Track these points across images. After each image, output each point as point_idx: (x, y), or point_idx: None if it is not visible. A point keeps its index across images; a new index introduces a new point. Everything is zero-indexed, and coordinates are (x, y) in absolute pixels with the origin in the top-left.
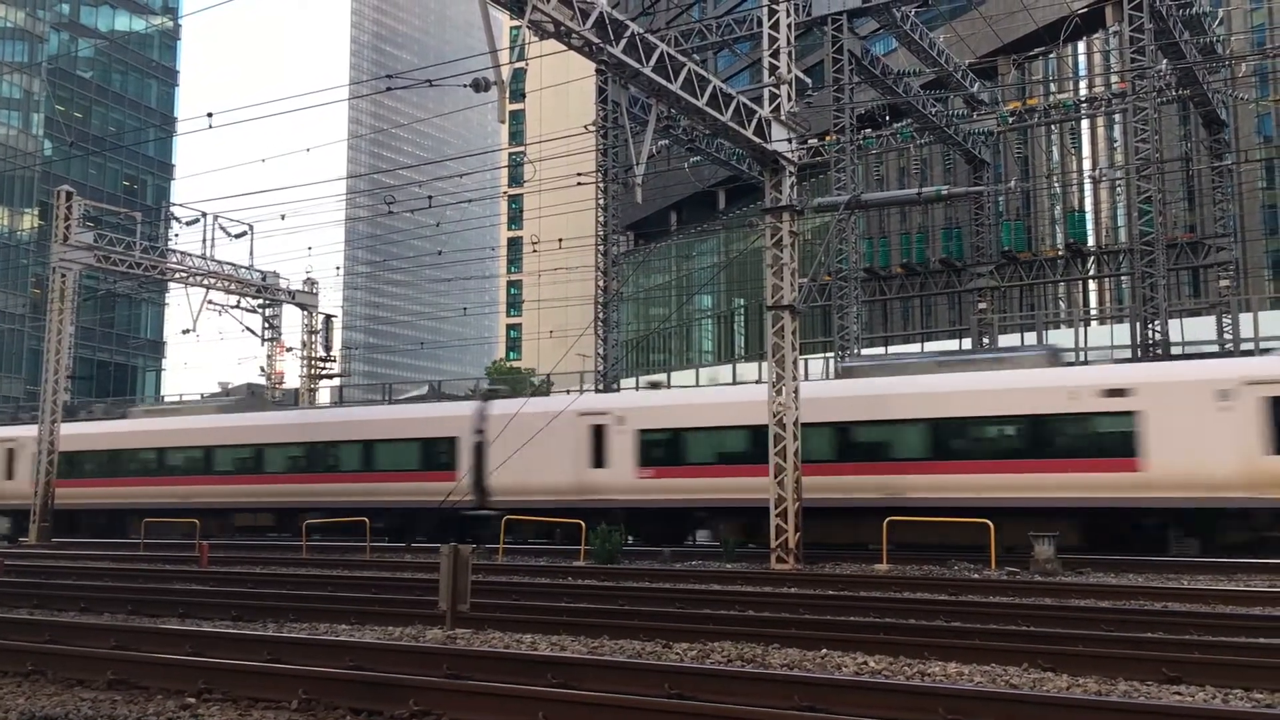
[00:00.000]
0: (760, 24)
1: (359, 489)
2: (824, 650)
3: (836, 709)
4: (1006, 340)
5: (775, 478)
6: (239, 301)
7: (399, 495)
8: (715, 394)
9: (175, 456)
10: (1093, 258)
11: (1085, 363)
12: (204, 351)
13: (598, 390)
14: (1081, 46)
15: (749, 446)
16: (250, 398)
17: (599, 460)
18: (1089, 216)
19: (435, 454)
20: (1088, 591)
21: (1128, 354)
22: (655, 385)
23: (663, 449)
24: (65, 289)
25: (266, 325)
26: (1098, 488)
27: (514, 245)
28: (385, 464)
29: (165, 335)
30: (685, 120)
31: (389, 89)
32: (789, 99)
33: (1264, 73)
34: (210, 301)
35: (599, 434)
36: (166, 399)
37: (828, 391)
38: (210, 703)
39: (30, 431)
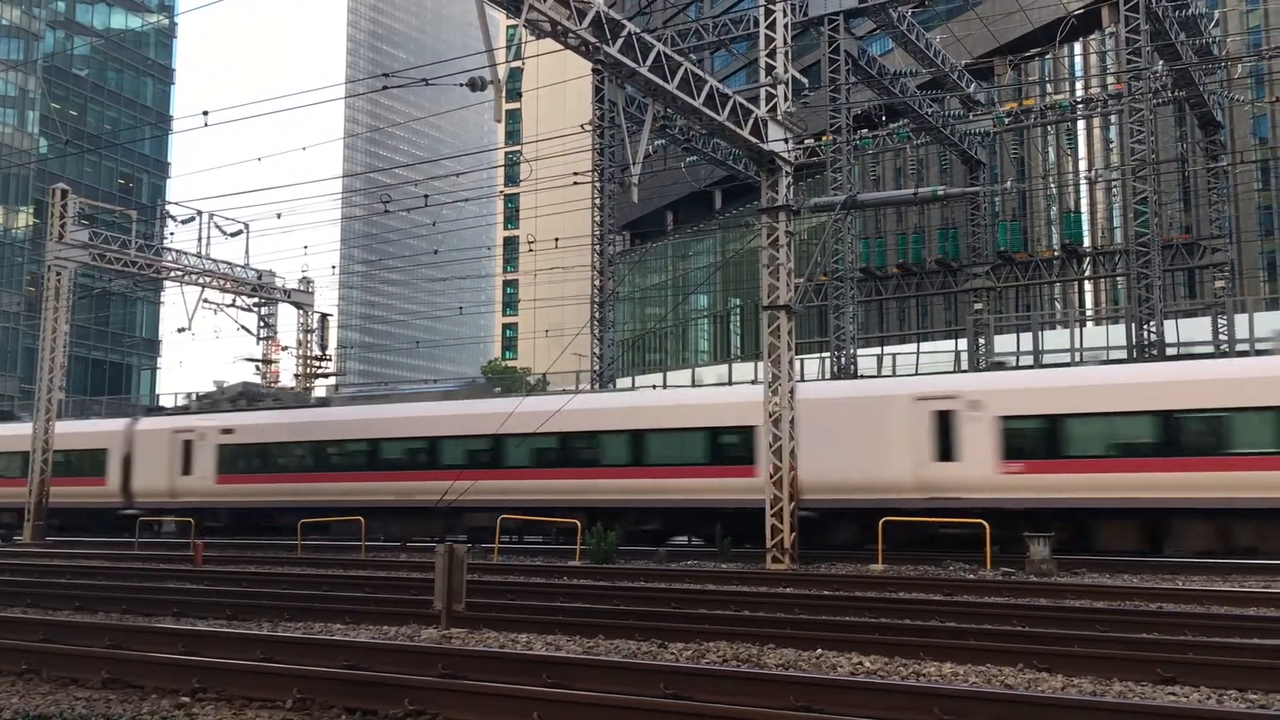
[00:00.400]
0: (757, 24)
1: (625, 485)
2: (819, 650)
3: (832, 709)
4: (1002, 342)
5: (771, 477)
6: (234, 300)
7: (676, 493)
8: (1118, 373)
9: (394, 448)
10: (1088, 258)
11: None
12: (199, 350)
13: (587, 383)
14: (1078, 47)
15: (1159, 436)
16: (477, 385)
17: (945, 453)
18: (1085, 217)
19: (726, 445)
20: (1083, 592)
21: (1123, 354)
22: (999, 365)
23: (1036, 439)
24: (60, 287)
25: (262, 324)
26: None
27: (510, 244)
28: (659, 457)
29: (160, 334)
30: (682, 120)
31: (385, 88)
32: (785, 99)
33: (1259, 74)
34: (205, 300)
35: (944, 421)
36: (373, 387)
37: (1267, 369)
38: (205, 702)
39: (211, 421)
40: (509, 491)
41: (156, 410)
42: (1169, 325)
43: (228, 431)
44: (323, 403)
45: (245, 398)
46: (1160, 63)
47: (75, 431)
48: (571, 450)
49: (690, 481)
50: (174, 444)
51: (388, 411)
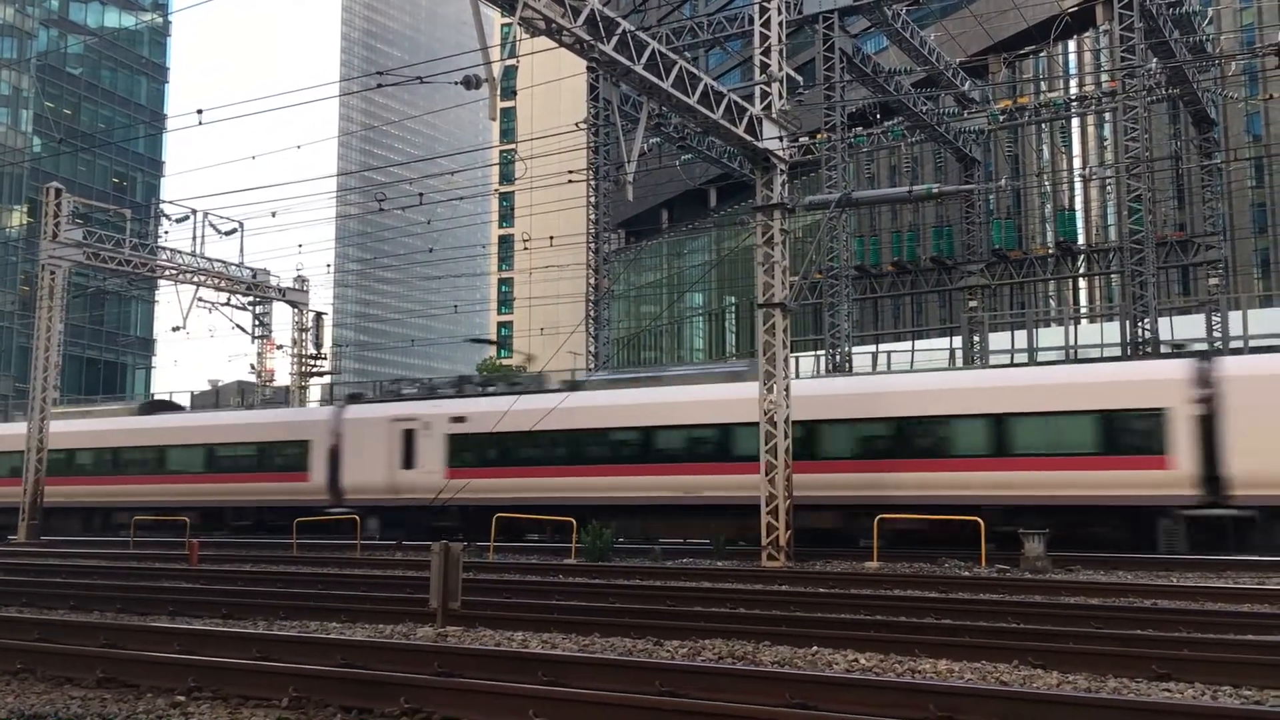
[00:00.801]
0: (751, 22)
1: (982, 479)
2: (815, 647)
3: (827, 706)
4: (997, 340)
5: (766, 475)
6: (229, 299)
7: (1059, 489)
8: None
9: (673, 437)
10: (1083, 256)
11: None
12: (194, 349)
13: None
14: (1072, 45)
15: None
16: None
17: None
18: (1079, 215)
19: (1118, 432)
20: (1077, 589)
21: (1117, 352)
22: None
23: None
24: (54, 286)
25: (257, 323)
26: None
27: (505, 242)
28: (1029, 445)
29: (155, 333)
30: (676, 118)
31: (380, 86)
32: (780, 97)
33: (1253, 72)
34: (200, 299)
35: None
36: (620, 369)
37: None
38: (200, 700)
39: (438, 408)
40: (825, 487)
41: (358, 397)
42: (1163, 322)
43: (459, 420)
44: (573, 386)
45: (475, 382)
46: (1154, 60)
47: (270, 422)
48: (902, 438)
49: (1058, 475)
50: (393, 434)
51: (672, 396)
